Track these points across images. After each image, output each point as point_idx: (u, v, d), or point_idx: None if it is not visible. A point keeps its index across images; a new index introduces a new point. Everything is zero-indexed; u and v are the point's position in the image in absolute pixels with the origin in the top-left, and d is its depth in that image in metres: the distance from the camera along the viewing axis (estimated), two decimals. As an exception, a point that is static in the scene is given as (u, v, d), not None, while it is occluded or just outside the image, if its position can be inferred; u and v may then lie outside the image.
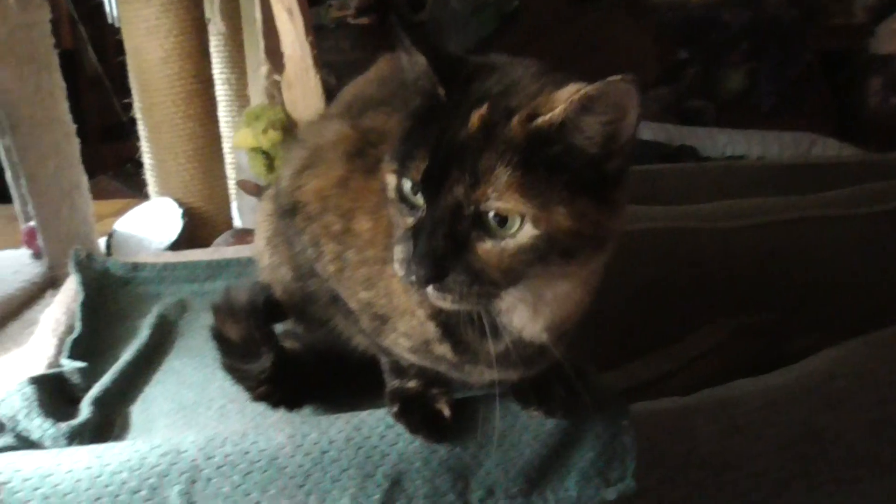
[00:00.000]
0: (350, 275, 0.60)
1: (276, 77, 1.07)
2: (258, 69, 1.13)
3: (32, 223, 1.03)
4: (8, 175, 1.02)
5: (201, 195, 1.15)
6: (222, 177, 1.21)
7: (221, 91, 1.24)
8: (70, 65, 1.96)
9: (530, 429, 0.61)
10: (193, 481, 0.57)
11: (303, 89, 1.03)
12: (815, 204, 1.27)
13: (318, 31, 1.09)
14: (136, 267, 0.88)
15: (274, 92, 1.08)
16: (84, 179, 1.07)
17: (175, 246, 1.09)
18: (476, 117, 0.52)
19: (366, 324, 0.61)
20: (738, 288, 1.24)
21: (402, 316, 0.59)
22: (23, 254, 1.07)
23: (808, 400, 0.94)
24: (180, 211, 1.12)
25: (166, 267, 0.89)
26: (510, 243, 0.52)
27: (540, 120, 0.52)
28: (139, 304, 0.86)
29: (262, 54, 1.08)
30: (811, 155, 1.72)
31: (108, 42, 1.95)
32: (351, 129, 0.62)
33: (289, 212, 0.64)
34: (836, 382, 0.96)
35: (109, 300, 0.84)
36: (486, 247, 0.52)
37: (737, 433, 0.92)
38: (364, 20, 2.34)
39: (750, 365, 1.04)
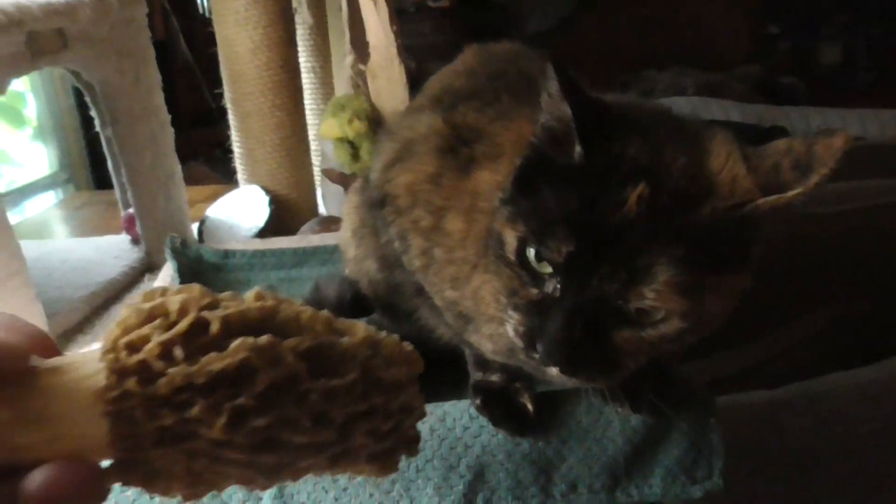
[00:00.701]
0: (437, 271, 0.61)
1: (361, 67, 1.09)
2: (343, 59, 1.14)
3: (131, 210, 1.08)
4: (109, 164, 1.08)
5: (287, 183, 1.18)
6: (308, 165, 1.23)
7: (307, 80, 1.27)
8: (163, 55, 2.04)
9: (614, 425, 0.60)
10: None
11: (387, 79, 1.04)
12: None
13: (398, 16, 1.09)
14: (227, 254, 0.92)
15: (359, 82, 1.10)
16: (178, 169, 1.11)
17: (262, 233, 1.13)
18: (634, 198, 0.46)
19: (450, 320, 0.62)
20: (835, 277, 1.19)
21: (488, 322, 0.58)
22: (123, 240, 1.13)
23: (909, 393, 0.90)
24: (267, 198, 1.16)
25: (255, 254, 0.91)
26: (652, 333, 0.48)
27: (746, 208, 0.46)
28: (230, 290, 0.89)
29: (347, 44, 1.10)
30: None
31: (199, 33, 2.02)
32: (443, 124, 0.62)
33: (378, 203, 0.64)
34: (940, 377, 0.91)
35: (203, 284, 0.88)
36: (625, 335, 0.48)
37: (828, 428, 0.89)
38: (444, 3, 2.34)
39: (847, 358, 1.00)
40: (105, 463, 0.28)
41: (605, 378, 0.51)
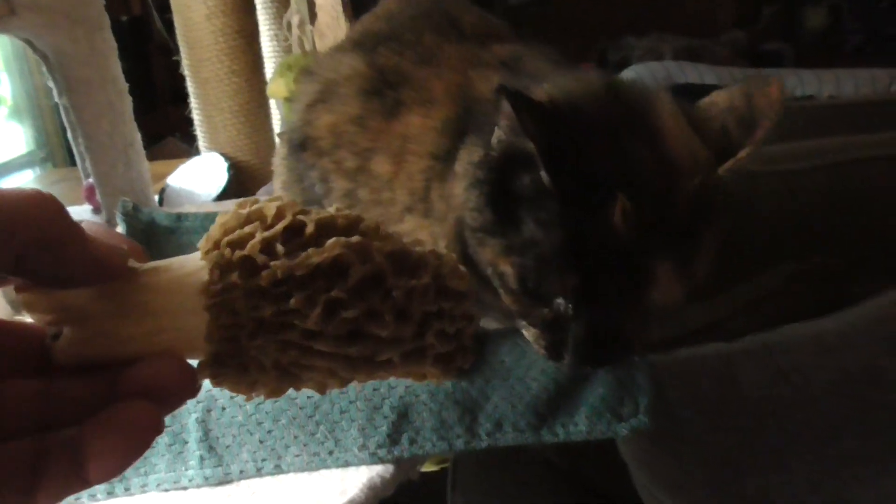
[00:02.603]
0: (360, 212, 0.61)
1: (309, 26, 1.09)
2: (290, 19, 1.14)
3: (91, 179, 1.09)
4: (69, 133, 1.08)
5: (248, 149, 1.18)
6: (268, 130, 1.23)
7: (269, 47, 1.27)
8: (140, 31, 2.04)
9: (537, 363, 0.61)
10: (209, 410, 0.59)
11: (334, 38, 1.03)
12: (884, 143, 1.19)
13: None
14: (179, 217, 0.92)
15: (306, 41, 1.09)
16: (138, 137, 1.11)
17: (222, 198, 1.13)
18: (619, 217, 0.46)
19: None
20: (801, 233, 1.18)
21: None
22: (85, 209, 1.14)
23: (866, 343, 0.90)
24: (226, 164, 1.16)
25: (208, 216, 0.91)
26: (657, 315, 0.53)
27: (710, 180, 0.49)
28: (182, 252, 0.89)
29: (293, 3, 1.10)
30: (889, 92, 1.60)
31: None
32: (366, 66, 0.62)
33: (299, 147, 0.65)
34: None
35: (155, 249, 0.88)
36: (636, 326, 0.53)
37: (784, 378, 0.89)
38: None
39: (810, 310, 1.00)
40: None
41: (623, 361, 0.57)
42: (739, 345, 0.93)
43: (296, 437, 0.59)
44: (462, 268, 0.30)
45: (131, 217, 0.90)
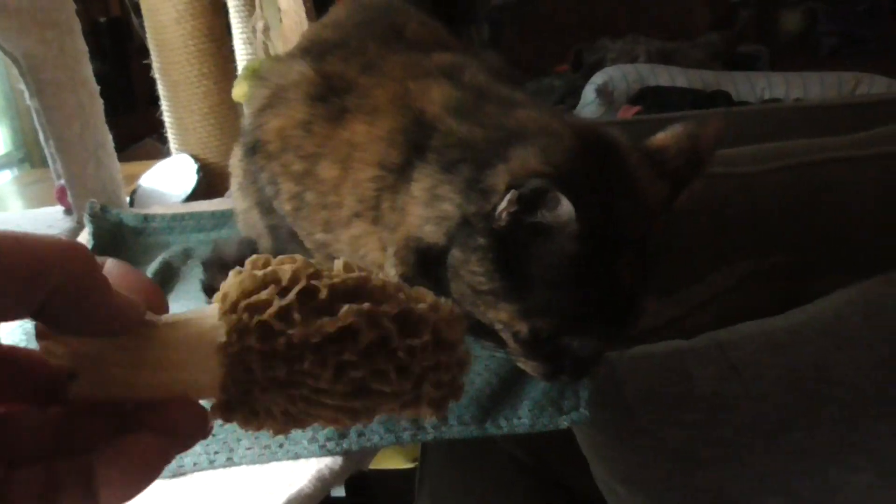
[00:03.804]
0: (307, 215, 0.63)
1: (275, 31, 1.10)
2: (255, 24, 1.16)
3: (63, 181, 1.10)
4: (41, 136, 1.09)
5: (217, 151, 1.19)
6: (238, 133, 1.24)
7: (242, 50, 1.28)
8: (118, 32, 2.05)
9: (482, 359, 0.63)
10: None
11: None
12: (841, 145, 1.22)
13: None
14: (147, 218, 0.94)
15: (271, 46, 1.11)
16: (109, 138, 1.13)
17: (191, 199, 1.15)
18: (628, 275, 0.56)
19: (320, 262, 0.64)
20: (758, 232, 1.21)
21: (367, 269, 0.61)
22: (57, 210, 1.15)
23: (816, 339, 0.93)
24: (196, 166, 1.18)
25: (175, 217, 0.94)
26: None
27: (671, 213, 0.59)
28: (149, 253, 0.91)
29: (258, 9, 1.11)
30: (854, 95, 1.63)
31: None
32: (314, 73, 0.64)
33: (250, 150, 0.67)
34: (847, 322, 0.94)
35: (122, 249, 0.90)
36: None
37: (735, 374, 0.92)
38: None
39: (765, 309, 1.02)
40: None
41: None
42: (694, 342, 0.96)
43: (247, 431, 0.61)
44: (457, 310, 0.33)
45: (99, 218, 0.92)
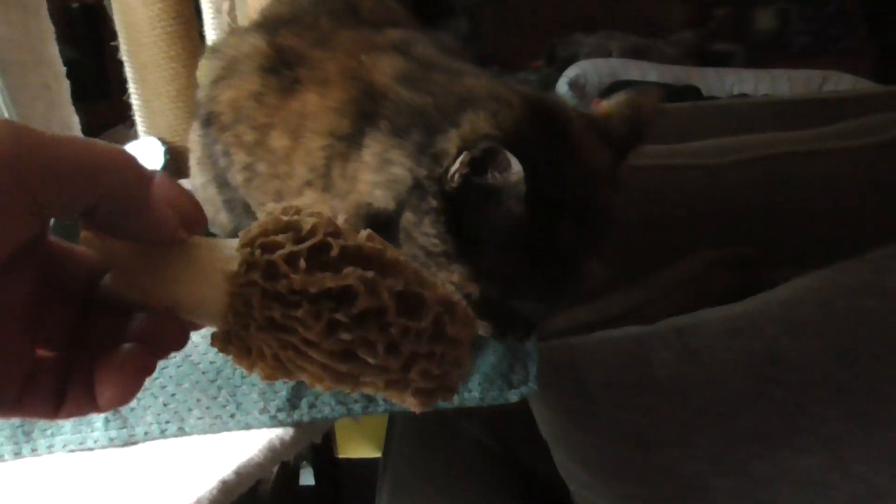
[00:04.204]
0: (259, 185, 0.64)
1: (239, 12, 1.11)
2: (220, 5, 1.16)
3: (28, 161, 1.09)
4: (5, 116, 1.09)
5: (185, 133, 1.18)
6: (206, 115, 1.24)
7: (214, 35, 1.28)
8: (91, 18, 2.03)
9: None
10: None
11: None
12: (804, 139, 1.25)
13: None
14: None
15: (234, 26, 1.11)
16: (75, 120, 1.12)
17: (158, 181, 1.14)
18: (567, 233, 0.57)
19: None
20: (722, 222, 1.23)
21: None
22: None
23: (770, 325, 0.94)
24: (163, 149, 1.18)
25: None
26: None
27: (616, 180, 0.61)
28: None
29: (222, -10, 1.12)
30: (820, 91, 1.66)
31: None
32: (266, 45, 0.65)
33: (205, 122, 0.67)
34: (801, 308, 0.96)
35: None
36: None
37: (693, 359, 0.93)
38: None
39: (725, 297, 1.04)
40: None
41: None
42: (653, 328, 0.98)
43: (198, 401, 0.61)
44: (472, 313, 0.34)
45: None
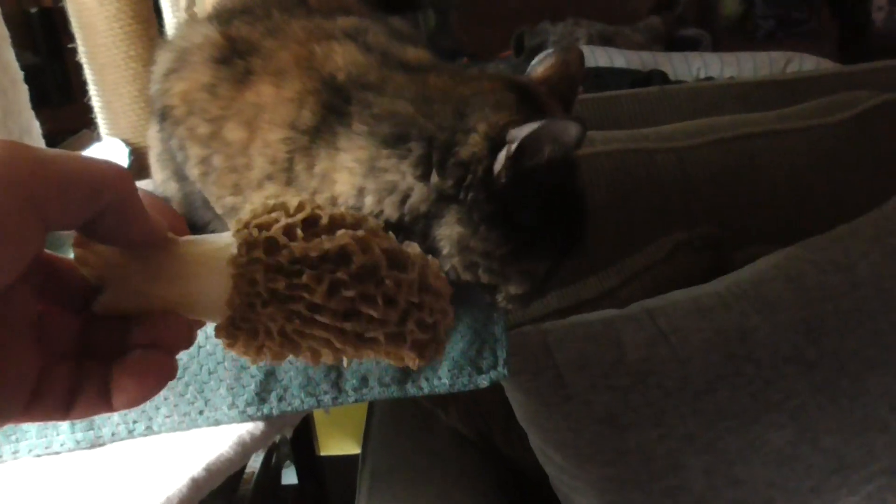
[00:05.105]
0: (215, 179, 0.63)
1: (195, 10, 1.10)
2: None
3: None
4: (-36, 122, 1.07)
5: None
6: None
7: (173, 30, 1.27)
8: (51, 23, 2.01)
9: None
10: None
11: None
12: (768, 119, 1.26)
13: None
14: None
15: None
16: (35, 125, 1.10)
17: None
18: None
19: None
20: (693, 205, 1.24)
21: None
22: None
23: (738, 303, 0.96)
24: (127, 150, 1.16)
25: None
26: None
27: None
28: (72, 234, 0.90)
29: (183, -17, 1.11)
30: (784, 73, 1.68)
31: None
32: (218, 35, 0.64)
33: (160, 117, 0.67)
34: (767, 286, 0.97)
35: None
36: None
37: (663, 339, 0.94)
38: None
39: (694, 278, 1.05)
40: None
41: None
42: (624, 310, 0.98)
43: (165, 399, 0.61)
44: (443, 273, 0.36)
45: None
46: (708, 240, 1.13)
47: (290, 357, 0.35)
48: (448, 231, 0.59)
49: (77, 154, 0.30)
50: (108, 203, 0.30)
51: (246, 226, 0.33)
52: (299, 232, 0.33)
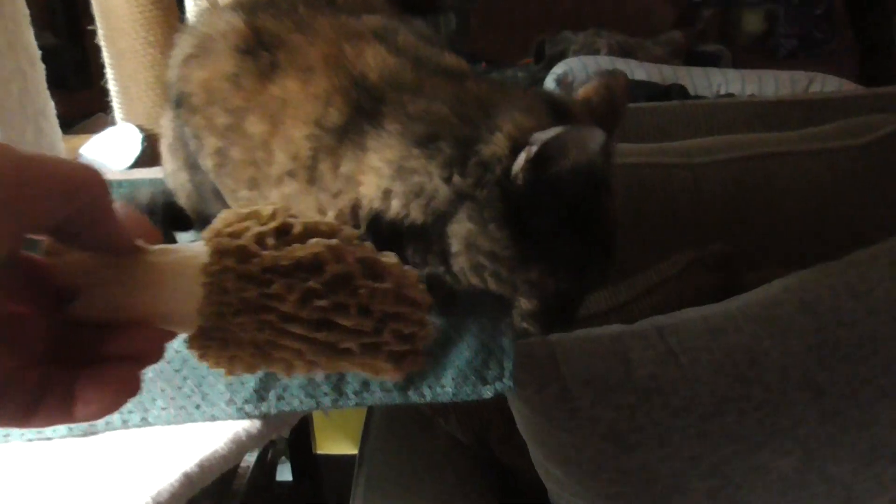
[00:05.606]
0: (231, 172, 0.62)
1: (217, -1, 1.08)
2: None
3: (1, 146, 1.07)
4: (-21, 100, 1.06)
5: (163, 120, 1.17)
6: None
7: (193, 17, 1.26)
8: (73, 6, 2.01)
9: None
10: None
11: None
12: (788, 140, 1.24)
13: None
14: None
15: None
16: (50, 105, 1.10)
17: (133, 168, 1.13)
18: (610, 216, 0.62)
19: None
20: (707, 222, 1.23)
21: None
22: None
23: (751, 326, 0.94)
24: (141, 136, 1.16)
25: (112, 184, 0.91)
26: None
27: None
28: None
29: (201, -25, 1.10)
30: (806, 92, 1.66)
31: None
32: (244, 25, 0.63)
33: (175, 103, 0.65)
34: (780, 309, 0.95)
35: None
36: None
37: (672, 358, 0.93)
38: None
39: (707, 297, 1.04)
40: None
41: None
42: (634, 326, 0.97)
43: (163, 391, 0.60)
44: (423, 284, 0.35)
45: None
46: (721, 259, 1.11)
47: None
48: (458, 227, 0.58)
49: (53, 156, 0.29)
50: (81, 205, 0.29)
51: (218, 234, 0.32)
52: (271, 240, 0.32)
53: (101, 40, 1.19)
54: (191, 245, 0.33)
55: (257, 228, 0.32)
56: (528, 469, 0.98)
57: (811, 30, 2.44)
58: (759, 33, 2.53)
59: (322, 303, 0.32)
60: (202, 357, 0.33)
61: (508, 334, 0.64)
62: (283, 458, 1.63)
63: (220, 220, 0.33)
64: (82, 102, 1.79)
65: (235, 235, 0.32)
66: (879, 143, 1.22)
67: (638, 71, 1.70)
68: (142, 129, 1.19)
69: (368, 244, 0.34)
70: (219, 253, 0.32)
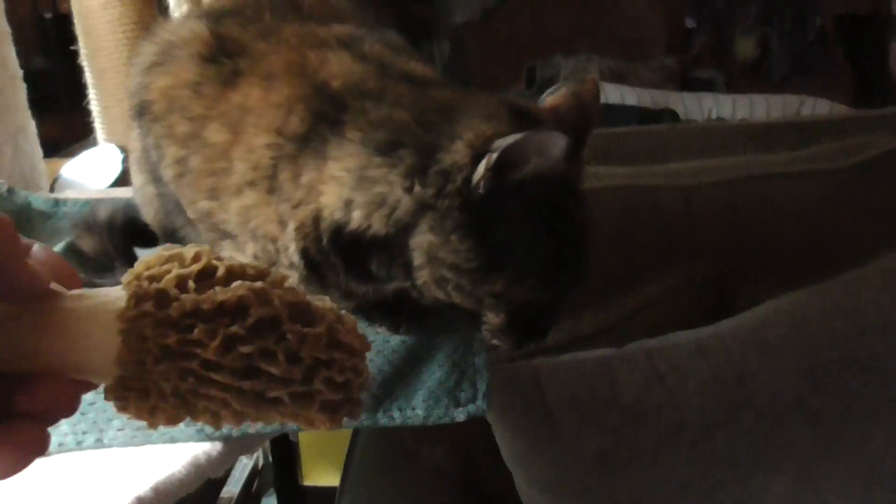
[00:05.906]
0: (191, 181, 0.60)
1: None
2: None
3: (-22, 165, 1.06)
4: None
5: (144, 141, 1.16)
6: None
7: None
8: (65, 28, 2.01)
9: (375, 344, 0.60)
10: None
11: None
12: (778, 162, 1.23)
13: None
14: (59, 202, 0.90)
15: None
16: (31, 125, 1.09)
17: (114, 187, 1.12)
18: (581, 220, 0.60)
19: (203, 233, 0.62)
20: (697, 243, 1.21)
21: (254, 241, 0.59)
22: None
23: (740, 347, 0.92)
24: (122, 156, 1.15)
25: (88, 202, 0.90)
26: None
27: None
28: (57, 236, 0.88)
29: (183, -9, 1.09)
30: (797, 115, 1.66)
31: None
32: (207, 32, 0.62)
33: (138, 112, 0.64)
34: (771, 330, 0.93)
35: (28, 232, 0.86)
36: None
37: (659, 380, 0.91)
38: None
39: (697, 318, 1.02)
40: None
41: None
42: (621, 350, 0.95)
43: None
44: (357, 325, 0.33)
45: (4, 199, 0.88)
46: (711, 279, 1.09)
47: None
48: (420, 239, 0.56)
49: None
50: None
51: (137, 277, 0.31)
52: (191, 283, 0.31)
53: (83, 60, 1.19)
54: (109, 290, 0.32)
55: (178, 271, 0.31)
56: (514, 499, 0.96)
57: (804, 55, 2.44)
58: (753, 59, 2.53)
59: (247, 349, 0.30)
60: (122, 409, 0.32)
61: (481, 353, 0.62)
62: (270, 489, 1.60)
63: (141, 263, 0.32)
64: (75, 124, 1.78)
65: (155, 279, 0.31)
66: (869, 163, 1.21)
67: (629, 96, 1.70)
68: (123, 149, 1.18)
69: (299, 288, 0.33)
70: (136, 297, 0.30)
